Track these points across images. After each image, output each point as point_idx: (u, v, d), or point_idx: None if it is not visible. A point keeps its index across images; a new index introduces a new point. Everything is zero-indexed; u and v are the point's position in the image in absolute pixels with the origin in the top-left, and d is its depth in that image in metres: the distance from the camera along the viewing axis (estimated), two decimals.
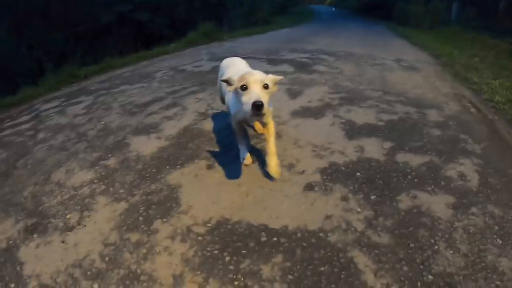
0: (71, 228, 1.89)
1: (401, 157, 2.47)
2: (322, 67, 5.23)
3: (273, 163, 2.06)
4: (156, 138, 2.85)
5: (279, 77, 1.90)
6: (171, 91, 4.15)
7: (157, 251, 1.66)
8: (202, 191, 2.08)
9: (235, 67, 2.37)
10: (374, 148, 2.59)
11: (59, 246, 1.78)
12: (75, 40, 7.64)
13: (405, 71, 5.24)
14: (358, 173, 2.26)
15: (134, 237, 1.76)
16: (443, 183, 2.20)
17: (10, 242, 1.86)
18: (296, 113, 3.27)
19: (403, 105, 3.53)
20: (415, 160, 2.45)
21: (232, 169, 2.29)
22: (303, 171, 2.28)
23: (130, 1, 8.32)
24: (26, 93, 5.04)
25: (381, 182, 2.17)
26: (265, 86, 1.72)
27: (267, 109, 1.65)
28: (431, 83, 4.62)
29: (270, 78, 1.81)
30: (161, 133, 2.94)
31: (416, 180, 2.21)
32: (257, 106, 1.58)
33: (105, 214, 1.97)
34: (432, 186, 2.16)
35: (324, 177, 2.21)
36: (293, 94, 3.83)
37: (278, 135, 2.79)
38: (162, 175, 2.29)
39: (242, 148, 2.12)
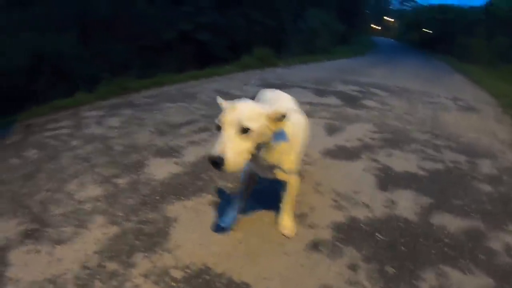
0: (61, 242, 2.02)
1: (437, 219, 2.25)
2: (372, 102, 5.15)
3: (285, 223, 2.01)
4: (173, 163, 2.98)
5: (279, 111, 1.45)
6: (208, 114, 4.37)
7: (127, 287, 1.69)
8: (196, 230, 2.08)
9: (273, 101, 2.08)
10: (407, 204, 2.40)
11: (45, 257, 1.90)
12: (136, 53, 8.51)
13: (461, 111, 5.02)
14: (379, 235, 2.08)
15: (111, 266, 1.81)
16: (483, 257, 1.94)
17: (7, 242, 2.05)
18: (328, 153, 3.19)
19: (452, 152, 3.27)
20: (453, 223, 2.21)
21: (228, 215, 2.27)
22: (314, 224, 2.17)
23: (192, 21, 9.13)
24: (78, 98, 5.69)
25: (404, 249, 1.97)
26: (244, 130, 1.36)
27: (235, 163, 1.32)
28: (488, 126, 4.29)
29: (257, 115, 1.40)
30: (180, 159, 3.07)
31: (449, 251, 1.97)
32: (212, 163, 1.30)
33: (96, 235, 2.07)
34: (468, 262, 1.91)
35: (336, 234, 2.08)
36: (332, 130, 3.75)
37: (300, 176, 2.74)
38: (163, 204, 2.36)
39: (233, 203, 2.09)
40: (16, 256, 1.93)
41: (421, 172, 2.88)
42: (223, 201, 2.36)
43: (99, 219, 2.24)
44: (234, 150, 1.33)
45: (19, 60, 5.93)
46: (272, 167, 1.78)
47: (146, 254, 1.89)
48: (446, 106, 5.27)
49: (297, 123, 1.86)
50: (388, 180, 2.73)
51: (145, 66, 8.15)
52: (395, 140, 3.57)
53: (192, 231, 2.09)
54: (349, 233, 2.11)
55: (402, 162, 3.06)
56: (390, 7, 49.39)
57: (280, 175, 1.84)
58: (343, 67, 9.38)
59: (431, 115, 4.65)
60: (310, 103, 5.05)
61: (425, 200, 2.46)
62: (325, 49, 13.61)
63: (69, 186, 2.69)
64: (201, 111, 4.58)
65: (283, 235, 2.02)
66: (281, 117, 1.46)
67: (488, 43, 12.27)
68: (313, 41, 13.78)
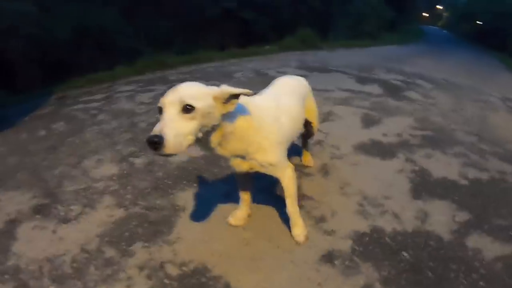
0: (66, 221, 2.03)
1: (474, 240, 1.95)
2: (415, 94, 4.82)
3: (295, 230, 1.85)
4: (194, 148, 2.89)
5: (234, 90, 1.35)
6: None
7: (119, 277, 1.62)
8: (201, 223, 1.97)
9: (273, 89, 2.00)
10: (441, 218, 2.10)
11: (49, 235, 1.92)
12: (179, 30, 8.53)
13: (510, 113, 4.52)
14: (405, 253, 1.82)
15: (109, 252, 1.77)
16: None
17: (17, 216, 2.09)
18: (361, 147, 2.94)
19: (499, 160, 2.90)
20: (492, 249, 1.90)
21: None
22: (332, 231, 1.95)
23: None
24: (115, 72, 5.81)
25: (431, 275, 1.70)
26: (187, 109, 1.25)
27: (175, 144, 1.20)
28: None
29: (203, 94, 1.31)
30: None
31: (482, 285, 1.68)
32: (150, 143, 1.18)
33: (101, 217, 2.04)
34: None
35: (356, 247, 1.85)
36: (369, 122, 3.50)
37: (326, 172, 2.54)
38: (174, 191, 2.28)
39: (240, 196, 1.97)
40: (23, 231, 1.97)
41: (463, 181, 2.53)
42: (237, 193, 2.22)
43: (108, 199, 2.21)
44: (176, 130, 1.22)
45: (62, 33, 6.15)
46: (243, 159, 1.63)
47: (146, 244, 1.82)
48: (496, 106, 4.76)
49: (283, 110, 1.76)
50: (423, 186, 2.43)
51: (187, 43, 8.16)
52: (437, 139, 3.23)
53: (197, 223, 1.97)
54: (370, 246, 1.86)
55: (442, 166, 2.73)
56: None
57: (260, 169, 1.67)
58: (388, 54, 8.90)
59: (478, 114, 4.22)
60: (350, 90, 4.76)
61: (463, 217, 2.13)
62: (372, 35, 13.04)
63: (87, 162, 2.71)
64: None
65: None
66: (230, 98, 1.36)
67: None
68: (360, 26, 13.22)
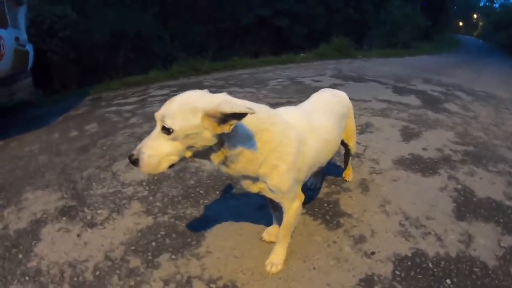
0: (92, 225, 1.99)
1: None
2: (454, 107, 4.69)
3: (272, 256, 1.67)
4: None
5: (218, 110, 1.13)
6: (274, 103, 4.13)
7: None
8: (233, 237, 1.86)
9: (310, 104, 1.83)
10: (487, 243, 1.91)
11: (73, 238, 1.88)
12: (214, 36, 8.64)
13: None
14: (449, 281, 1.64)
15: (134, 262, 1.69)
16: None
17: (44, 216, 2.08)
18: (401, 162, 2.79)
19: None
20: None
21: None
22: (372, 253, 1.79)
23: (272, 6, 8.96)
24: (149, 76, 5.93)
25: None
26: (166, 129, 1.15)
27: (149, 166, 1.17)
28: None
29: (190, 111, 1.15)
30: None
31: None
32: (130, 160, 1.18)
33: (128, 224, 1.99)
34: None
35: (398, 271, 1.67)
36: (408, 135, 3.37)
37: (365, 187, 2.40)
38: (205, 201, 2.19)
39: (272, 213, 1.85)
40: (47, 232, 1.95)
41: (507, 202, 2.33)
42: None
43: (136, 206, 2.16)
44: (152, 151, 1.17)
45: (100, 37, 6.37)
46: (252, 180, 1.43)
47: (173, 256, 1.73)
48: None
49: (314, 130, 1.55)
50: (467, 206, 2.24)
51: (221, 49, 8.24)
52: (479, 155, 3.04)
53: (228, 237, 1.87)
54: (412, 272, 1.68)
55: (485, 185, 2.55)
56: (478, 4, 45.31)
57: (269, 194, 1.47)
58: (425, 64, 8.64)
59: None
60: (388, 101, 4.59)
61: (508, 241, 1.93)
62: (407, 44, 12.74)
63: (117, 166, 2.69)
64: (268, 98, 4.36)
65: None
66: (224, 117, 1.13)
67: None
68: (395, 35, 13.03)
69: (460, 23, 41.45)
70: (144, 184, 2.42)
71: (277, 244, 1.68)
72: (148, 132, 3.22)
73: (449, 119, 4.06)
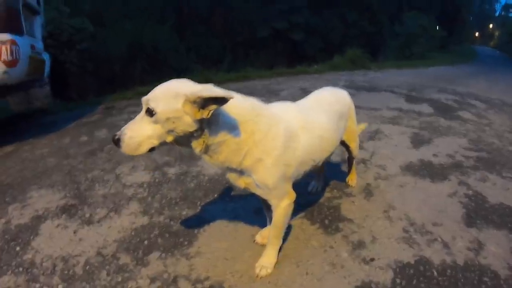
0: (89, 223, 2.02)
1: None
2: (468, 114, 4.52)
3: (262, 259, 1.62)
4: None
5: (198, 94, 1.15)
6: None
7: (128, 286, 1.53)
8: (226, 239, 1.83)
9: (306, 101, 1.82)
10: (498, 251, 1.79)
11: (69, 234, 1.92)
12: (230, 49, 8.79)
13: None
14: None
15: (124, 259, 1.69)
16: None
17: (45, 213, 2.13)
18: (409, 168, 2.70)
19: None
20: None
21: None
22: (371, 260, 1.71)
23: (287, 19, 9.10)
24: None
25: None
26: (150, 111, 1.19)
27: (130, 146, 1.22)
28: None
29: (172, 96, 1.18)
30: None
31: None
32: (112, 141, 1.24)
33: (124, 223, 2.00)
34: None
35: (398, 279, 1.59)
36: (418, 142, 3.27)
37: (369, 192, 2.33)
38: (204, 203, 2.18)
39: (266, 214, 1.81)
40: (46, 227, 2.00)
41: None
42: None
43: (134, 206, 2.18)
44: (133, 133, 1.22)
45: (116, 48, 6.59)
46: (239, 174, 1.42)
47: (163, 255, 1.72)
48: None
49: (308, 126, 1.53)
50: (477, 213, 2.13)
51: (237, 61, 8.35)
52: (493, 161, 2.91)
53: (221, 239, 1.84)
54: (414, 281, 1.58)
55: (498, 191, 2.41)
56: (494, 14, 44.18)
57: (256, 190, 1.44)
58: (440, 74, 8.46)
59: None
60: (399, 109, 4.50)
61: None
62: (422, 55, 12.67)
63: (121, 169, 2.73)
64: None
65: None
66: (203, 102, 1.16)
67: None
68: (410, 46, 12.97)
69: (476, 34, 40.79)
70: (145, 186, 2.44)
71: (267, 246, 1.63)
72: None
73: (462, 126, 3.93)
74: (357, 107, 2.24)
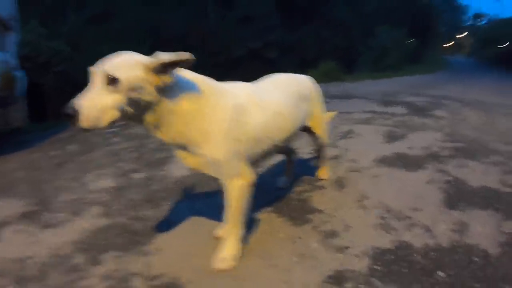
0: (48, 226, 1.89)
1: None
2: (442, 112, 4.47)
3: (223, 253, 1.47)
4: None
5: (159, 60, 1.14)
6: None
7: (79, 285, 1.39)
8: (188, 237, 1.71)
9: (260, 82, 1.72)
10: (485, 230, 1.68)
11: (28, 238, 1.77)
12: (208, 69, 8.80)
13: None
14: (441, 273, 1.40)
15: (78, 259, 1.56)
16: None
17: (7, 219, 1.98)
18: (383, 160, 2.59)
19: None
20: None
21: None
22: (346, 248, 1.59)
23: (262, 39, 9.29)
24: None
25: None
26: (111, 80, 1.10)
27: (89, 118, 1.08)
28: None
29: (132, 65, 1.14)
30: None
31: None
32: (65, 115, 1.08)
33: (84, 225, 1.86)
34: None
35: (377, 266, 1.45)
36: (391, 138, 3.17)
37: (341, 184, 2.22)
38: (168, 203, 2.07)
39: None
40: (8, 233, 1.85)
41: (505, 189, 2.12)
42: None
43: (96, 209, 2.04)
44: (93, 103, 1.09)
45: None
46: (188, 151, 1.35)
47: (118, 254, 1.58)
48: None
49: (261, 103, 1.48)
50: (459, 196, 2.03)
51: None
52: (471, 150, 2.83)
53: (183, 236, 1.71)
54: (395, 266, 1.44)
55: (479, 175, 2.32)
56: (463, 24, 45.62)
57: (208, 169, 1.37)
58: (414, 82, 8.55)
59: None
60: (372, 112, 4.47)
61: (510, 226, 1.72)
62: (396, 66, 12.86)
63: (88, 177, 2.60)
64: None
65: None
66: (163, 68, 1.15)
67: None
68: (383, 59, 13.19)
69: (448, 44, 41.69)
70: (110, 190, 2.31)
71: (226, 236, 1.51)
72: (125, 149, 3.20)
73: (436, 123, 3.87)
74: (329, 111, 2.18)
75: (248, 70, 8.55)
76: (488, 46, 25.26)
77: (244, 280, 1.40)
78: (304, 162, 2.62)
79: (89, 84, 1.14)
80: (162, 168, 2.66)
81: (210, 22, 9.56)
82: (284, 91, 1.68)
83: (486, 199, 2.01)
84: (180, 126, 1.26)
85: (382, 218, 1.82)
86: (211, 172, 1.38)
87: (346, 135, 3.32)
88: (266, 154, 1.59)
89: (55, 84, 6.25)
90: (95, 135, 3.91)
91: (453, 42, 43.09)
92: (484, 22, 39.51)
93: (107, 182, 2.46)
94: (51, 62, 6.07)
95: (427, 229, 1.72)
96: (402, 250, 1.56)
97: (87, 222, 1.90)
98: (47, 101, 6.34)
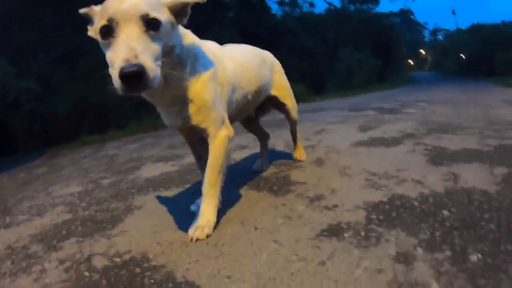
0: (8, 226, 1.69)
1: None
2: (412, 110, 4.45)
3: (202, 220, 1.26)
4: (170, 165, 2.49)
5: None
6: None
7: (32, 270, 1.17)
8: (158, 218, 1.47)
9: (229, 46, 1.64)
10: (477, 176, 1.56)
11: None
12: None
13: None
14: (446, 211, 1.25)
15: (35, 249, 1.35)
16: None
17: None
18: (360, 143, 2.46)
19: None
20: None
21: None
22: (335, 206, 1.39)
23: None
24: (108, 135, 5.53)
25: (492, 227, 1.12)
26: (153, 24, 0.92)
27: (157, 74, 0.89)
28: None
29: (159, 4, 0.99)
30: (179, 161, 2.58)
31: None
32: (129, 76, 0.82)
33: (44, 221, 1.67)
34: None
35: (373, 216, 1.27)
36: (366, 129, 3.05)
37: (321, 162, 2.04)
38: (137, 196, 1.83)
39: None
40: None
41: (486, 148, 2.05)
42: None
43: (60, 209, 1.84)
44: (153, 55, 0.90)
45: (63, 109, 6.18)
46: (178, 108, 1.23)
47: (80, 239, 1.34)
48: (496, 105, 4.41)
49: (233, 58, 1.46)
50: (443, 157, 1.93)
51: None
52: (445, 128, 2.77)
53: (152, 219, 1.48)
54: (394, 213, 1.28)
55: (457, 142, 2.25)
56: (424, 40, 47.08)
57: (193, 119, 1.22)
58: (381, 95, 8.67)
59: (481, 112, 3.80)
60: (345, 116, 4.33)
61: (501, 171, 1.60)
62: (363, 86, 12.92)
63: (53, 188, 2.38)
64: None
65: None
66: (183, 8, 1.05)
67: None
68: (350, 80, 13.35)
69: (411, 61, 42.34)
70: (75, 194, 2.09)
71: (203, 201, 1.29)
72: (95, 165, 2.96)
73: (408, 116, 3.77)
74: (299, 121, 2.13)
75: None
76: (447, 58, 26.03)
77: (226, 245, 1.18)
78: (277, 153, 2.43)
79: (119, 29, 0.89)
80: (134, 173, 2.42)
81: None
82: (247, 52, 1.66)
83: (468, 156, 1.91)
84: (179, 70, 1.14)
85: (368, 180, 1.66)
86: (198, 121, 1.23)
87: (320, 131, 3.14)
88: (241, 109, 1.51)
89: (25, 123, 5.91)
90: (66, 161, 3.64)
91: (415, 59, 44.19)
92: (441, 36, 40.86)
93: (74, 189, 2.23)
94: (20, 101, 5.76)
95: (418, 182, 1.57)
96: (397, 200, 1.40)
97: (48, 219, 1.70)
98: (17, 140, 5.98)
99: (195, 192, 1.71)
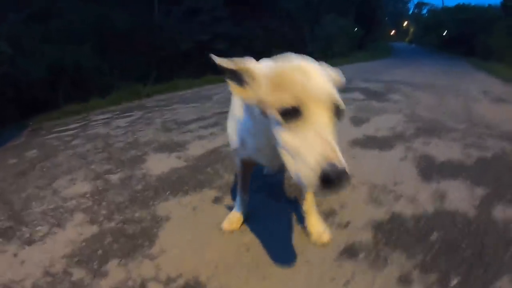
0: (30, 242, 1.60)
1: (500, 212, 1.69)
2: (397, 96, 4.78)
3: (315, 228, 1.48)
4: (175, 158, 2.53)
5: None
6: (220, 112, 3.96)
7: None
8: (190, 232, 1.58)
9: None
10: (460, 196, 1.86)
11: (9, 258, 1.49)
12: (155, 65, 8.27)
13: (493, 103, 4.62)
14: (436, 233, 1.52)
15: (78, 274, 1.35)
16: None
17: None
18: (356, 143, 2.73)
19: (496, 140, 2.80)
20: None
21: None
22: (348, 223, 1.61)
23: (209, 31, 8.95)
24: (90, 104, 5.34)
25: (470, 252, 1.39)
26: (338, 112, 0.82)
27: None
28: None
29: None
30: (184, 153, 2.62)
31: None
32: (330, 179, 0.73)
33: (71, 235, 1.62)
34: None
35: (379, 236, 1.51)
36: (358, 122, 3.35)
37: None
38: (156, 202, 1.89)
39: (238, 200, 1.60)
40: None
41: (468, 160, 2.37)
42: (228, 197, 1.88)
43: (79, 217, 1.80)
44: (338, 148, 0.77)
45: (37, 72, 5.71)
46: None
47: (122, 261, 1.41)
48: (477, 99, 4.83)
49: None
50: (431, 169, 2.23)
51: (163, 76, 7.86)
52: (431, 129, 3.12)
53: (184, 233, 1.58)
54: (395, 233, 1.53)
55: (443, 150, 2.57)
56: (408, 13, 47.72)
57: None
58: (364, 68, 8.94)
59: (463, 107, 4.20)
60: None
61: (481, 191, 1.91)
62: (343, 54, 13.12)
63: (58, 183, 2.29)
64: (214, 109, 4.19)
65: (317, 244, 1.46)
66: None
67: (509, 40, 11.42)
68: (331, 47, 13.37)
69: (392, 31, 42.69)
70: (87, 196, 2.06)
71: (309, 215, 1.49)
72: (91, 150, 2.90)
73: (394, 106, 4.15)
74: None
75: (198, 63, 8.21)
76: (430, 33, 26.20)
77: (266, 266, 1.34)
78: None
79: (309, 113, 0.77)
80: (138, 166, 2.43)
81: (156, 16, 8.92)
82: None
83: (454, 170, 2.21)
84: None
85: (371, 193, 1.90)
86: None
87: None
88: None
89: None
90: (53, 139, 3.49)
91: (397, 29, 44.03)
92: (425, 11, 40.79)
93: (82, 187, 2.19)
94: None
95: (412, 200, 1.84)
96: (397, 220, 1.64)
97: (73, 233, 1.67)
98: None
99: (217, 200, 1.86)
